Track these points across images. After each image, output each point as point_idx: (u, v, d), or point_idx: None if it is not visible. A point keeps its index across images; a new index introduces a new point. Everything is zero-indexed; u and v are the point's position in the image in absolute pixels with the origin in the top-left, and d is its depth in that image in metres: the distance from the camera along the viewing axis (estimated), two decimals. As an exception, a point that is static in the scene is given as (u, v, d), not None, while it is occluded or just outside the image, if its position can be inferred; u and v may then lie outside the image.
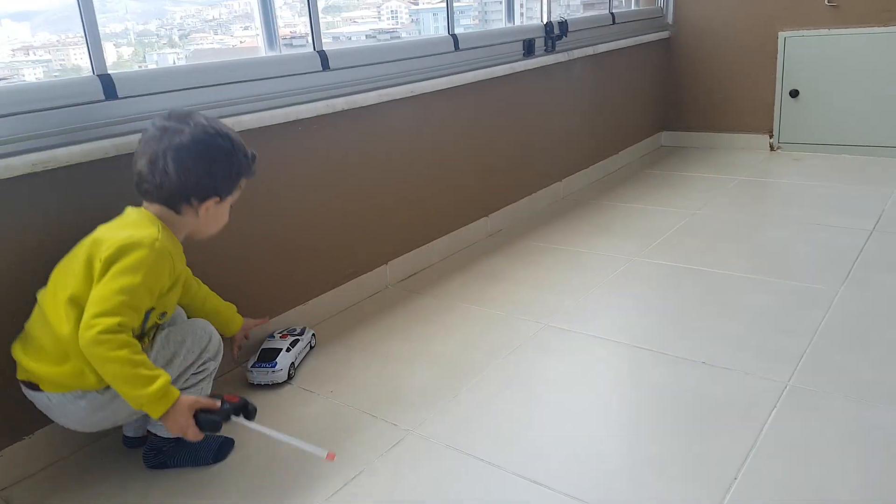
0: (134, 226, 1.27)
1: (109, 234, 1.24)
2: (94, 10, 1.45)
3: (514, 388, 1.59)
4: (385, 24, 2.64)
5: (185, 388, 1.35)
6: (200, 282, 1.54)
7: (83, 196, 1.42)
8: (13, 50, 1.60)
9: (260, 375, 1.64)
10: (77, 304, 1.20)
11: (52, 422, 1.38)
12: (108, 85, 1.46)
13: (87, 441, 1.47)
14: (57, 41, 1.67)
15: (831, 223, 2.49)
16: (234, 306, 1.61)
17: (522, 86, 2.66)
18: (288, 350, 1.69)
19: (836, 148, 3.41)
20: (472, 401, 1.55)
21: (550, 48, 2.78)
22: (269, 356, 1.67)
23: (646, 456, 1.33)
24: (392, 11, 2.69)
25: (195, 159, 1.28)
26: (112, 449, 1.46)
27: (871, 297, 1.90)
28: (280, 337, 1.74)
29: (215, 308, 1.56)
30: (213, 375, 1.42)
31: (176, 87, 1.58)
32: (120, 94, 1.48)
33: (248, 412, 1.28)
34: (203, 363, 1.38)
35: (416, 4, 2.85)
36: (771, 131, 3.58)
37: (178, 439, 1.34)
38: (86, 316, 1.16)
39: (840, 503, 1.18)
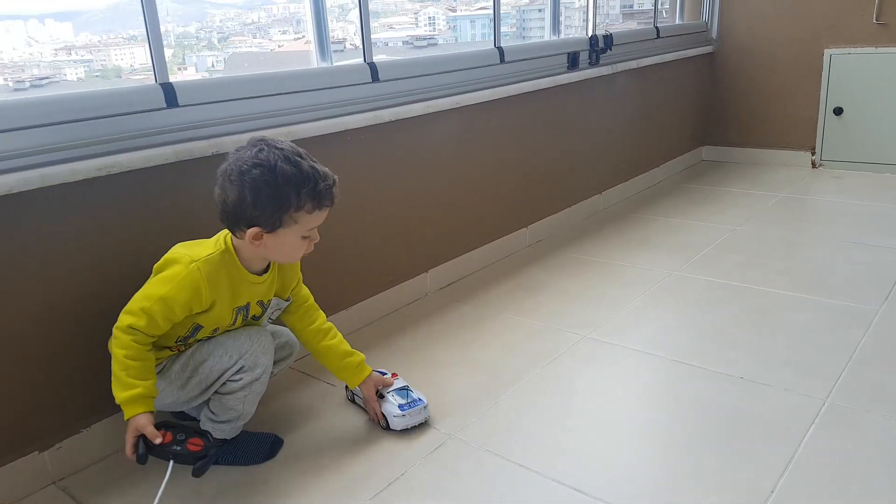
0: (198, 244, 1.37)
1: (175, 247, 1.36)
2: (158, 21, 1.51)
3: (554, 397, 1.63)
4: (422, 31, 2.67)
5: (220, 394, 1.39)
6: (322, 321, 1.53)
7: (143, 201, 1.49)
8: (56, 49, 1.62)
9: (412, 417, 1.51)
10: None
11: (108, 415, 1.49)
12: (170, 93, 1.54)
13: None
14: (99, 41, 1.69)
15: (872, 242, 2.47)
16: (357, 359, 1.54)
17: (565, 98, 2.71)
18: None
19: (879, 167, 3.37)
20: (513, 407, 1.59)
21: (595, 61, 2.82)
22: (407, 398, 1.53)
23: (683, 468, 1.36)
24: (430, 18, 2.71)
25: (235, 186, 1.26)
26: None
27: (914, 318, 1.90)
28: (392, 376, 1.59)
29: (328, 354, 1.52)
30: (256, 384, 1.40)
31: (233, 96, 1.64)
32: (181, 102, 1.55)
33: (195, 468, 1.25)
34: (229, 379, 1.38)
35: (454, 11, 2.90)
36: (813, 148, 3.55)
37: (225, 440, 1.43)
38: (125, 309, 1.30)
39: (877, 521, 1.20)
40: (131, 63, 1.67)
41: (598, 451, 1.43)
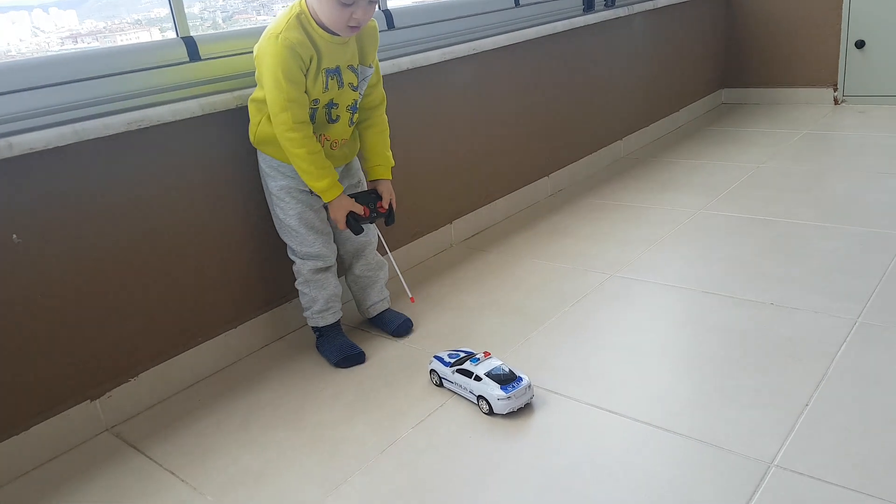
0: (276, 19, 1.44)
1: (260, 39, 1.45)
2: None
3: (585, 333, 1.65)
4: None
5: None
6: (382, 113, 1.64)
7: (174, 153, 1.52)
8: (62, 38, 1.64)
9: (517, 398, 1.36)
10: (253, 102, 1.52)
11: (156, 364, 1.55)
12: (192, 46, 1.56)
13: (190, 381, 1.61)
14: (104, 27, 1.71)
15: (901, 172, 2.45)
16: (390, 164, 1.67)
17: (582, 42, 2.68)
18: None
19: (904, 99, 3.31)
20: (544, 344, 1.62)
21: (610, 3, 2.78)
22: (507, 377, 1.38)
23: (718, 387, 1.38)
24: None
25: None
26: (211, 388, 1.60)
27: (944, 240, 1.89)
28: (485, 355, 1.46)
29: (365, 146, 1.65)
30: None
31: (252, 48, 1.66)
32: (203, 55, 1.57)
33: (388, 221, 1.61)
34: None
35: None
36: (835, 84, 3.49)
37: (321, 334, 1.66)
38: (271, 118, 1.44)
39: (912, 426, 1.21)
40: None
41: (632, 378, 1.45)
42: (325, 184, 1.48)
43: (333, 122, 1.52)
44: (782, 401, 1.31)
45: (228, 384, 1.60)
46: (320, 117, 1.49)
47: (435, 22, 2.09)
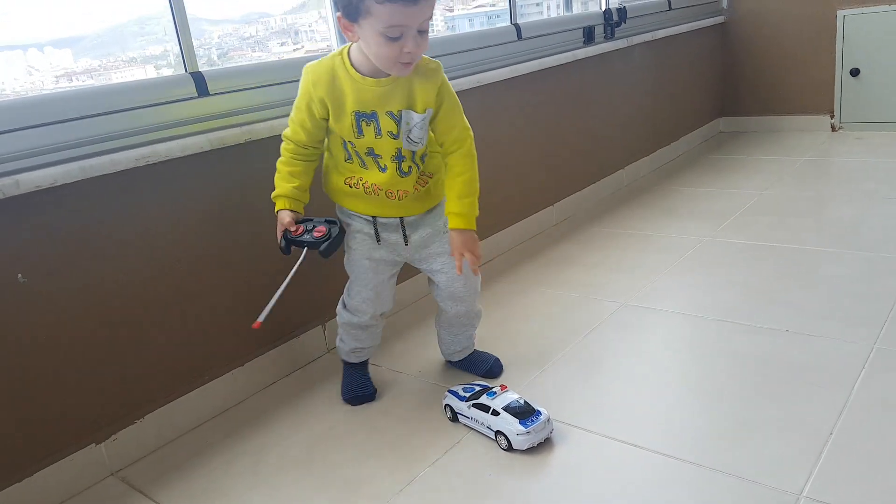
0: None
1: None
2: (184, 9, 1.53)
3: (600, 363, 1.63)
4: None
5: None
6: (469, 154, 1.46)
7: (183, 188, 1.51)
8: (56, 76, 1.63)
9: (536, 433, 1.32)
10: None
11: (161, 405, 1.51)
12: (200, 82, 1.55)
13: (197, 422, 1.58)
14: (99, 65, 1.70)
15: (904, 196, 2.45)
16: (463, 213, 1.45)
17: (583, 74, 2.71)
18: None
19: (901, 125, 3.34)
20: (560, 375, 1.59)
21: (610, 35, 2.82)
22: (526, 410, 1.34)
23: (740, 418, 1.35)
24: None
25: None
26: (218, 429, 1.56)
27: (954, 263, 1.88)
28: (501, 388, 1.42)
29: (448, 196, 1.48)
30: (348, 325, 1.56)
31: (262, 83, 1.66)
32: (211, 90, 1.57)
33: (321, 251, 1.41)
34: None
35: (452, 11, 2.91)
36: (832, 112, 3.52)
37: (345, 365, 1.62)
38: None
39: (942, 454, 1.19)
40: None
41: (651, 409, 1.42)
42: (274, 194, 1.46)
43: (382, 170, 1.43)
44: (805, 430, 1.28)
45: (236, 424, 1.56)
46: (356, 161, 1.44)
47: (439, 56, 2.10)
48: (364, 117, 1.37)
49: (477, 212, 1.47)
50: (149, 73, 1.71)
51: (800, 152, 3.23)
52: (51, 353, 1.34)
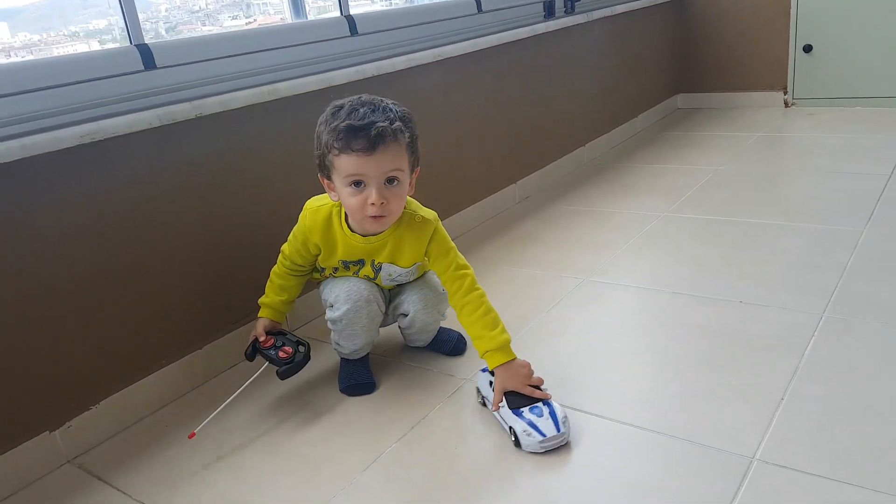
0: (327, 196, 1.43)
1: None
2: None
3: (562, 337, 1.65)
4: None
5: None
6: (470, 290, 1.39)
7: (131, 167, 1.46)
8: None
9: (550, 440, 1.24)
10: None
11: (117, 390, 1.49)
12: (147, 54, 1.50)
13: (155, 407, 1.55)
14: (39, 40, 1.63)
15: (850, 171, 2.53)
16: (488, 345, 1.35)
17: (544, 49, 2.70)
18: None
19: (850, 101, 3.42)
20: (525, 349, 1.59)
21: (570, 9, 2.82)
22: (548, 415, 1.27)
23: (695, 386, 1.38)
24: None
25: None
26: (178, 413, 1.54)
27: (894, 234, 1.96)
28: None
29: (469, 330, 1.40)
30: (339, 323, 1.47)
31: (212, 55, 1.61)
32: (158, 63, 1.52)
33: (278, 373, 1.44)
34: (327, 309, 1.52)
35: None
36: (785, 88, 3.59)
37: (345, 363, 1.56)
38: None
39: (880, 411, 1.24)
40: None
41: (612, 381, 1.45)
42: (261, 299, 1.55)
43: (356, 275, 1.51)
44: (758, 396, 1.32)
45: (197, 408, 1.54)
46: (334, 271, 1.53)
47: (398, 28, 2.08)
48: (348, 264, 1.47)
49: (508, 335, 1.37)
50: (92, 47, 1.64)
51: (754, 128, 3.30)
52: (-1, 340, 1.30)
